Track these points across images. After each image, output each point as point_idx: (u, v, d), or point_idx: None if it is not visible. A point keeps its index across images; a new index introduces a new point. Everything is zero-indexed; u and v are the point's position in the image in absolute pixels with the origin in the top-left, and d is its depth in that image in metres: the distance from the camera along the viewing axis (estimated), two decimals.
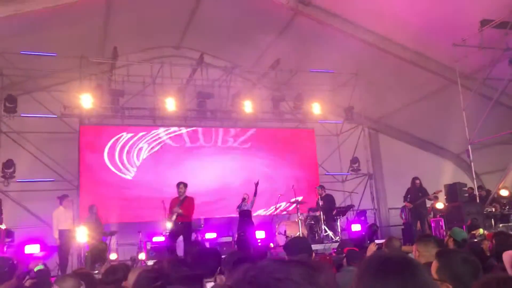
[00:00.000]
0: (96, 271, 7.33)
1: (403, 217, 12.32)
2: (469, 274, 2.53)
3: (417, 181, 12.06)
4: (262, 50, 14.31)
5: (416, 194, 11.93)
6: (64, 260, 10.36)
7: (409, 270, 1.38)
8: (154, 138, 13.77)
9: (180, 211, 9.86)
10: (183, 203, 9.99)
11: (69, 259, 10.76)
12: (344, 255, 4.74)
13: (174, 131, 14.08)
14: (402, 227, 12.53)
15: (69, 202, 10.99)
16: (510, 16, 10.78)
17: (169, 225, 10.04)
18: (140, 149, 13.47)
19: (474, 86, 12.06)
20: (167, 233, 10.31)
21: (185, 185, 10.18)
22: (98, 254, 9.40)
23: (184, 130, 14.17)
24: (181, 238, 10.07)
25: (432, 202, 12.45)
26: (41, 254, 9.44)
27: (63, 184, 12.63)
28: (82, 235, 10.46)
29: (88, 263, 9.15)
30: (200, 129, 14.44)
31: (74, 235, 10.50)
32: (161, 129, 13.96)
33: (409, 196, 12.11)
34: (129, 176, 13.14)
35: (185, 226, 9.99)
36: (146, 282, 2.63)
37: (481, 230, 5.71)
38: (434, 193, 11.92)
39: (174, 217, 9.87)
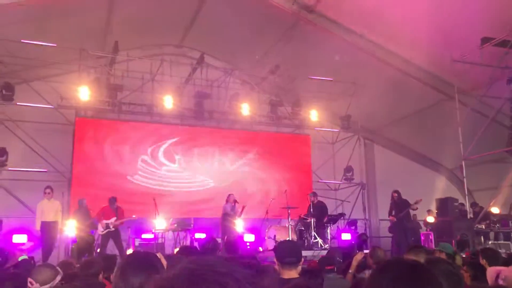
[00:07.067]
0: None
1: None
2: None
3: (395, 194, 11.94)
4: (262, 53, 14.32)
5: (398, 207, 11.76)
6: (46, 252, 10.28)
7: (421, 276, 1.38)
8: (150, 135, 13.75)
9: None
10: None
11: (56, 251, 10.66)
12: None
13: (171, 130, 14.06)
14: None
15: (48, 194, 10.79)
16: (511, 35, 10.85)
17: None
18: (135, 145, 13.42)
19: (471, 102, 12.11)
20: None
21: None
22: (84, 246, 9.37)
23: (180, 128, 14.15)
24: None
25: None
26: (29, 244, 9.39)
27: (56, 175, 12.57)
28: (71, 228, 10.41)
29: (74, 255, 9.11)
30: (196, 129, 14.41)
31: (59, 227, 10.42)
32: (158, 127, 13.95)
33: (393, 211, 11.95)
34: (121, 171, 13.08)
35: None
36: None
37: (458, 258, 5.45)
38: (415, 202, 11.62)
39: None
